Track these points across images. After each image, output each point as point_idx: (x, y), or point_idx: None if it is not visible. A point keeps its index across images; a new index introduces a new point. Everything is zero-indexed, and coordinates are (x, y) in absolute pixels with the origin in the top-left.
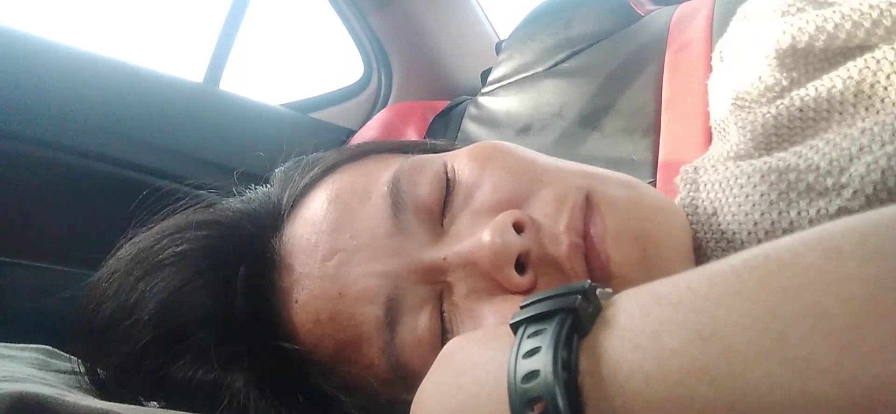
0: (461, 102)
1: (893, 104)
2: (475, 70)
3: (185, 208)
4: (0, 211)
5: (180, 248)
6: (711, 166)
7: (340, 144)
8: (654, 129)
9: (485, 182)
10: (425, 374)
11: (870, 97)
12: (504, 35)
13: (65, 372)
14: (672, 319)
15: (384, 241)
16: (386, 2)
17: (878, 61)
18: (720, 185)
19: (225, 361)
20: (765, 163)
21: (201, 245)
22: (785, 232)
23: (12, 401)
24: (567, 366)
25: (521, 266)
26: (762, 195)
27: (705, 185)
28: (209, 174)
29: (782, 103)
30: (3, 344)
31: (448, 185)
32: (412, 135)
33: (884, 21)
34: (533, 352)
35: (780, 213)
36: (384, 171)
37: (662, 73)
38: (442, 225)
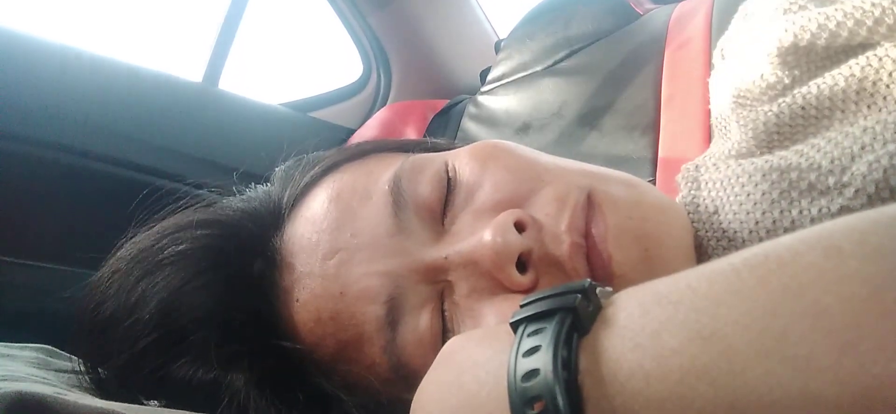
0: (460, 101)
1: (895, 102)
2: (474, 69)
3: (186, 208)
4: (0, 211)
5: (181, 247)
6: (713, 165)
7: (340, 144)
8: (654, 128)
9: (486, 181)
10: (426, 373)
11: (872, 95)
12: (503, 34)
13: (65, 371)
14: (672, 318)
15: (385, 240)
16: (385, 1)
17: (880, 59)
18: (722, 183)
19: (225, 360)
20: (766, 161)
21: (202, 244)
22: (786, 231)
23: (12, 400)
24: (567, 365)
25: (522, 265)
26: (764, 194)
27: (707, 183)
28: (209, 173)
29: (784, 101)
30: (3, 343)
31: (449, 185)
32: (411, 134)
33: (886, 19)
34: (533, 351)
35: (781, 211)
36: (385, 171)
37: (662, 71)
38: (443, 224)
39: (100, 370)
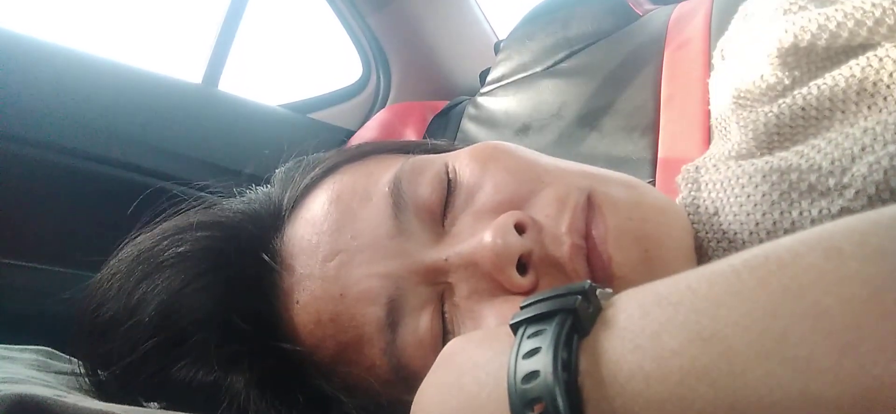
0: (460, 102)
1: None
2: (474, 70)
3: (186, 209)
4: (0, 212)
5: (181, 249)
6: (713, 166)
7: (340, 145)
8: (653, 128)
9: (486, 183)
10: (426, 374)
11: (872, 95)
12: (502, 35)
13: (65, 373)
14: (672, 320)
15: (385, 241)
16: (384, 2)
17: (880, 59)
18: (722, 184)
19: (225, 362)
20: (766, 162)
21: (202, 246)
22: (787, 232)
23: (12, 402)
24: (567, 366)
25: (522, 267)
26: (764, 195)
27: (707, 184)
28: (208, 175)
29: (784, 102)
30: (2, 345)
31: (449, 186)
32: (411, 135)
33: (886, 20)
34: (533, 352)
35: (781, 213)
36: (385, 172)
37: (661, 72)
38: (443, 226)
39: (99, 372)
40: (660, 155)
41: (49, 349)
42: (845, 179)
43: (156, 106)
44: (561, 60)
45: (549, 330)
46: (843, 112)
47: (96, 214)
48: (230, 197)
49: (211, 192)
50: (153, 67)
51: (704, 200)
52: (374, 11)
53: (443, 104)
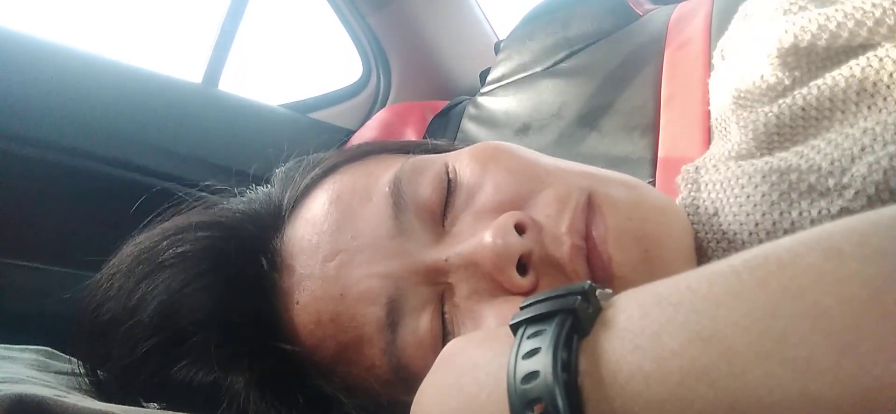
0: (460, 102)
1: None
2: (474, 70)
3: (186, 209)
4: (0, 212)
5: (181, 249)
6: (713, 166)
7: (340, 145)
8: (654, 128)
9: (486, 183)
10: (426, 375)
11: (872, 95)
12: (503, 35)
13: (64, 373)
14: (672, 320)
15: (385, 241)
16: (384, 2)
17: (880, 59)
18: (721, 185)
19: (225, 362)
20: (766, 163)
21: (202, 246)
22: (786, 232)
23: (11, 402)
24: (567, 367)
25: (522, 267)
26: (763, 195)
27: (707, 185)
28: (208, 175)
29: (784, 102)
30: (2, 345)
31: (449, 186)
32: (411, 135)
33: (887, 20)
34: (533, 353)
35: (781, 213)
36: (385, 172)
37: (661, 72)
38: (443, 226)
39: (99, 372)
40: (660, 155)
41: (49, 349)
42: (845, 180)
43: (156, 105)
44: (561, 60)
45: (549, 330)
46: (842, 112)
47: (96, 213)
48: (230, 197)
49: (211, 192)
50: (153, 67)
51: (704, 201)
52: (374, 11)
53: (443, 104)
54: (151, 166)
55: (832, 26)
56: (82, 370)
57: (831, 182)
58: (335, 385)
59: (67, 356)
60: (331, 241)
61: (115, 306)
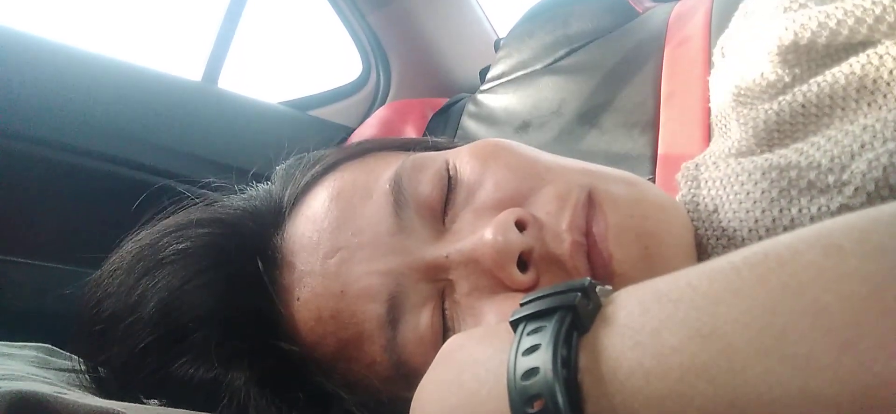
0: (460, 100)
1: (895, 100)
2: (474, 67)
3: (187, 206)
4: (0, 209)
5: (182, 245)
6: (713, 163)
7: (339, 142)
8: (653, 125)
9: (487, 180)
10: (427, 371)
11: (872, 93)
12: (502, 32)
13: (65, 370)
14: (672, 317)
15: (386, 238)
16: (384, 0)
17: (880, 57)
18: (721, 182)
19: (226, 359)
20: (766, 160)
21: (203, 243)
22: (786, 229)
23: (12, 399)
24: (567, 363)
25: (523, 264)
26: (763, 192)
27: (707, 182)
28: (208, 172)
29: (784, 99)
30: (3, 342)
31: (450, 183)
32: (411, 132)
33: (887, 17)
34: (533, 349)
35: (781, 210)
36: (386, 169)
37: (661, 69)
38: (444, 223)
39: (100, 369)
40: (660, 152)
41: (49, 346)
42: (844, 177)
43: (155, 103)
44: (561, 58)
45: (549, 327)
46: (842, 109)
47: (96, 210)
48: (231, 194)
49: (212, 190)
50: (153, 64)
51: (704, 198)
52: (373, 9)
53: (443, 101)
54: (151, 164)
55: (832, 24)
56: (83, 367)
57: (831, 179)
58: (335, 382)
59: (68, 353)
60: (331, 238)
61: (115, 303)
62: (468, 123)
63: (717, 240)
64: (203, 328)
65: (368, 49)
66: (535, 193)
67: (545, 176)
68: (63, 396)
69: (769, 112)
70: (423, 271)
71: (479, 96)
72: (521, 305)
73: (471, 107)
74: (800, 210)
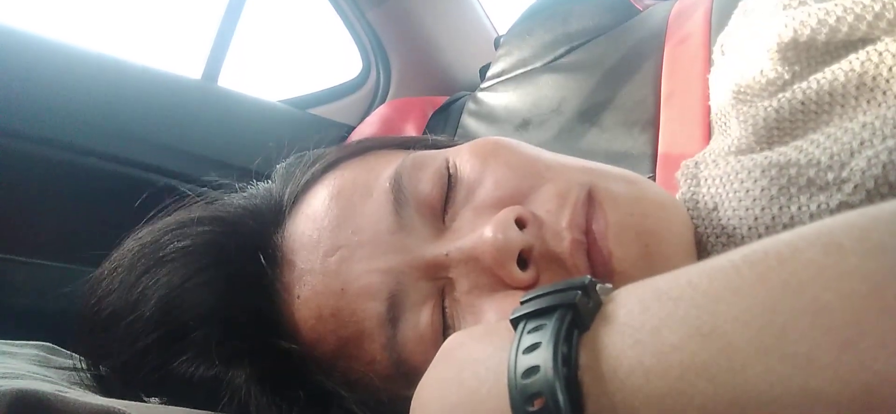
0: (460, 98)
1: (895, 97)
2: (474, 65)
3: (187, 204)
4: (0, 208)
5: (182, 243)
6: (712, 161)
7: (339, 140)
8: (654, 124)
9: (487, 178)
10: (427, 369)
11: (871, 90)
12: (502, 30)
13: (65, 369)
14: (672, 315)
15: (386, 237)
16: None
17: (880, 54)
18: (721, 179)
19: (226, 357)
20: (765, 157)
21: (203, 241)
22: (785, 227)
23: (13, 398)
24: (567, 361)
25: (523, 262)
26: (762, 190)
27: (706, 180)
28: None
29: (784, 97)
30: (3, 341)
31: (450, 181)
32: (411, 130)
33: (886, 14)
34: (533, 347)
35: (780, 208)
36: (386, 168)
37: (661, 67)
38: (444, 221)
39: (100, 368)
40: (660, 151)
41: (50, 345)
42: (844, 174)
43: (155, 101)
44: (561, 56)
45: (550, 325)
46: (842, 107)
47: (97, 209)
48: (231, 192)
49: (212, 188)
50: (153, 63)
51: (704, 196)
52: (373, 7)
53: (443, 100)
54: (151, 162)
55: (831, 21)
56: (83, 366)
57: (830, 176)
58: (336, 380)
59: (68, 352)
60: (331, 236)
61: (116, 301)
62: (468, 122)
63: (717, 238)
64: (204, 326)
65: (368, 47)
66: (535, 191)
67: (545, 174)
68: (64, 394)
69: (769, 110)
70: (423, 269)
71: (480, 94)
72: (522, 302)
73: (471, 105)
74: (799, 208)
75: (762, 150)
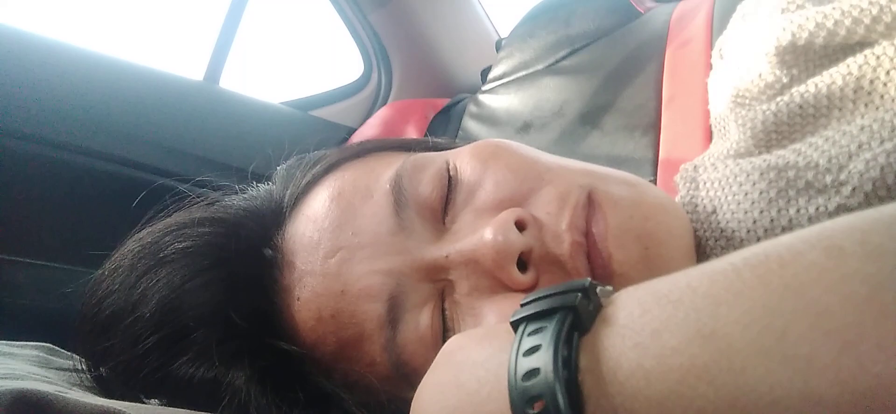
0: (461, 100)
1: (893, 100)
2: (475, 68)
3: (188, 205)
4: (1, 209)
5: (183, 244)
6: (711, 164)
7: (341, 142)
8: (655, 127)
9: (487, 180)
10: (426, 371)
11: (869, 93)
12: (504, 33)
13: (66, 370)
14: (672, 318)
15: (386, 238)
16: None
17: (877, 57)
18: (719, 183)
19: (226, 358)
20: (764, 160)
21: (204, 242)
22: (784, 230)
23: (13, 398)
24: (567, 364)
25: (523, 264)
26: (761, 193)
27: (705, 183)
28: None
29: (782, 100)
30: (4, 342)
31: (450, 183)
32: (412, 133)
33: (884, 17)
34: (533, 350)
35: (778, 210)
36: (386, 169)
37: (663, 70)
38: (444, 223)
39: (101, 369)
40: (661, 155)
41: (50, 346)
42: (842, 177)
43: (157, 103)
44: (562, 58)
45: (550, 327)
46: (840, 110)
47: (98, 210)
48: (232, 194)
49: (212, 189)
50: (155, 64)
51: (703, 199)
52: (375, 8)
53: (444, 102)
54: (153, 163)
55: (829, 24)
56: (83, 367)
57: (828, 179)
58: (335, 382)
59: (69, 353)
60: (332, 237)
61: (116, 302)
62: (469, 124)
63: (716, 241)
64: (204, 327)
65: (370, 49)
66: (536, 194)
67: (545, 176)
68: (64, 394)
69: (767, 113)
70: (423, 271)
71: (481, 97)
72: (522, 305)
73: (472, 107)
74: (798, 210)
75: (761, 153)
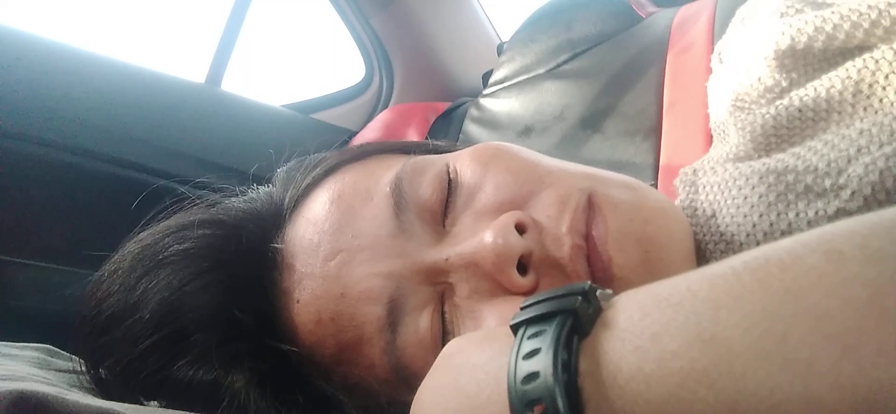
0: (462, 104)
1: (892, 104)
2: (476, 72)
3: (188, 208)
4: (2, 210)
5: (183, 246)
6: (710, 168)
7: (342, 145)
8: (656, 132)
9: (487, 183)
10: (426, 374)
11: (868, 97)
12: (505, 37)
13: (66, 371)
14: (672, 321)
15: (386, 241)
16: (387, 3)
17: (876, 61)
18: (719, 187)
19: (226, 360)
20: (763, 164)
21: (204, 244)
22: (783, 233)
23: (13, 399)
24: (567, 367)
25: (523, 267)
26: (760, 197)
27: (704, 187)
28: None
29: (781, 104)
30: (4, 343)
31: (450, 186)
32: (413, 136)
33: (882, 21)
34: (533, 353)
35: (778, 214)
36: (386, 172)
37: (664, 75)
38: (444, 226)
39: (101, 370)
40: (662, 160)
41: (50, 347)
42: (841, 180)
43: (159, 105)
44: (564, 63)
45: (550, 331)
46: (839, 114)
47: (98, 212)
48: (232, 196)
49: (213, 191)
50: (156, 66)
51: (702, 203)
52: (376, 12)
53: (445, 105)
54: (154, 165)
55: (828, 28)
56: (83, 368)
57: (828, 183)
58: (335, 385)
59: (69, 354)
60: (332, 240)
61: (116, 303)
62: (470, 128)
63: (715, 244)
64: (203, 329)
65: (371, 52)
66: (536, 197)
67: (545, 179)
68: (64, 396)
69: (766, 117)
70: (423, 274)
71: (482, 100)
72: (522, 308)
73: (473, 111)
74: (797, 214)
75: (760, 157)
